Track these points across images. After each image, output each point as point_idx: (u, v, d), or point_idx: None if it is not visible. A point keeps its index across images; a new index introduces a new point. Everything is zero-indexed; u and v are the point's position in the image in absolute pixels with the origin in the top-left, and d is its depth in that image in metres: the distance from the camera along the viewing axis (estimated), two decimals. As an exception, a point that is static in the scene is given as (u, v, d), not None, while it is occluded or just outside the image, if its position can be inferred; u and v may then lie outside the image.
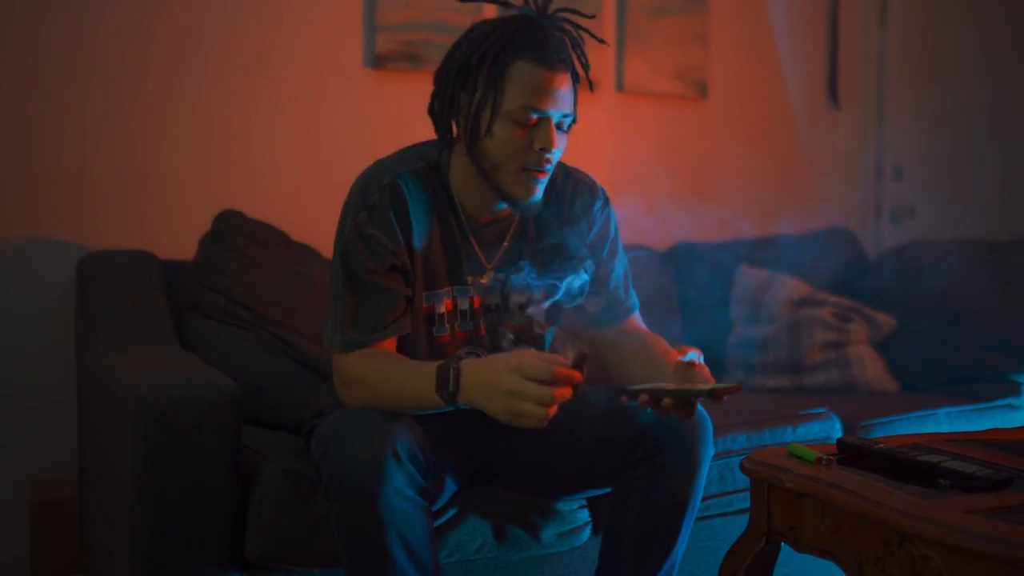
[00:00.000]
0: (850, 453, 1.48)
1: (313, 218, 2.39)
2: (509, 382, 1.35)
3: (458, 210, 1.61)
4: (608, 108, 2.95)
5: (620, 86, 2.97)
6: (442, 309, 1.61)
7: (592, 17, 1.61)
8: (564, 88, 1.52)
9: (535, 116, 1.51)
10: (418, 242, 1.57)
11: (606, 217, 1.73)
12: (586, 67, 1.61)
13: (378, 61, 2.60)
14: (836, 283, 2.87)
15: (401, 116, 2.56)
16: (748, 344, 2.67)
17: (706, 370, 1.52)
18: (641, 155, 2.99)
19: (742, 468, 1.48)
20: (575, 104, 1.57)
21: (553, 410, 1.35)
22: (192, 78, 2.40)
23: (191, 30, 2.39)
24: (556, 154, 1.55)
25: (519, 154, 1.52)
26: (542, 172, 1.55)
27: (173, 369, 1.66)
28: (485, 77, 1.50)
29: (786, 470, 1.42)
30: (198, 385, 1.55)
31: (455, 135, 1.57)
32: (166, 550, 1.53)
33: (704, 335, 2.70)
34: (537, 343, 1.73)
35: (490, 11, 2.74)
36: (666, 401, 1.40)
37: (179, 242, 2.29)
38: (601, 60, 2.89)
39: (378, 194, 1.54)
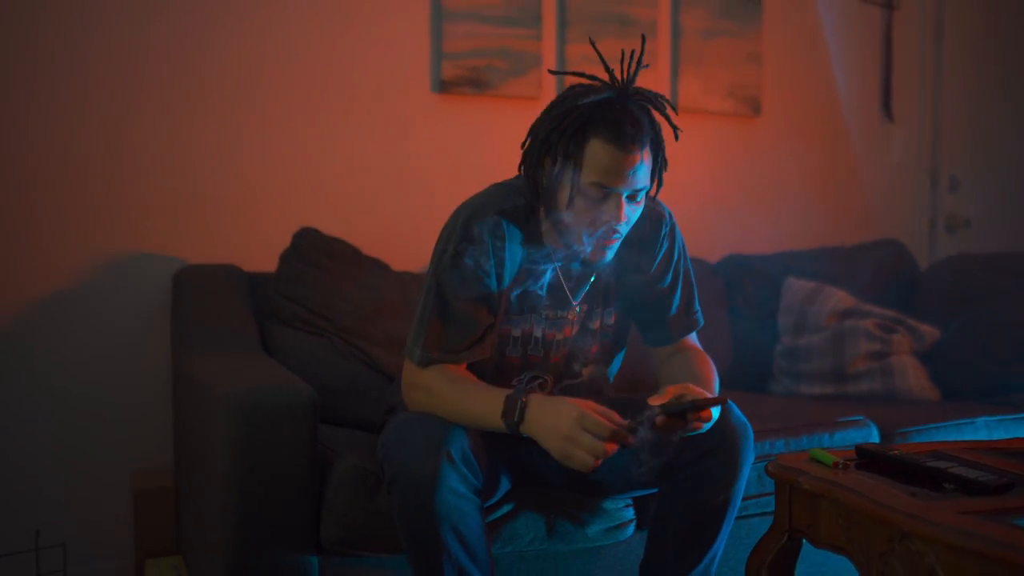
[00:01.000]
0: (867, 458, 1.61)
1: (382, 234, 2.59)
2: (569, 428, 1.50)
3: (548, 252, 1.71)
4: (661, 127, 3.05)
5: (674, 106, 3.07)
6: (517, 333, 1.74)
7: (675, 111, 1.67)
8: (636, 167, 1.57)
9: (605, 191, 1.59)
10: (508, 277, 1.69)
11: (671, 241, 1.82)
12: (676, 138, 1.66)
13: (444, 86, 2.75)
14: (886, 294, 2.91)
15: (465, 137, 2.78)
16: (794, 353, 2.73)
17: (696, 390, 1.62)
18: (693, 170, 3.08)
19: (767, 471, 1.62)
20: (653, 176, 1.63)
21: (599, 462, 1.50)
22: (277, 106, 2.59)
23: (274, 60, 2.59)
24: (625, 226, 1.64)
25: (589, 224, 1.61)
26: (610, 240, 1.64)
27: (258, 373, 1.86)
28: (563, 152, 1.58)
29: (805, 473, 1.55)
30: (280, 388, 1.74)
31: (539, 196, 1.68)
32: (253, 534, 1.71)
33: (752, 344, 2.80)
34: (609, 359, 1.87)
35: (549, 45, 2.90)
36: (659, 420, 1.51)
37: (263, 256, 2.48)
38: (655, 81, 3.01)
39: (480, 229, 1.65)
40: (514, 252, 1.70)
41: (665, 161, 1.68)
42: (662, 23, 3.06)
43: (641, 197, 1.65)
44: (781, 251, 3.06)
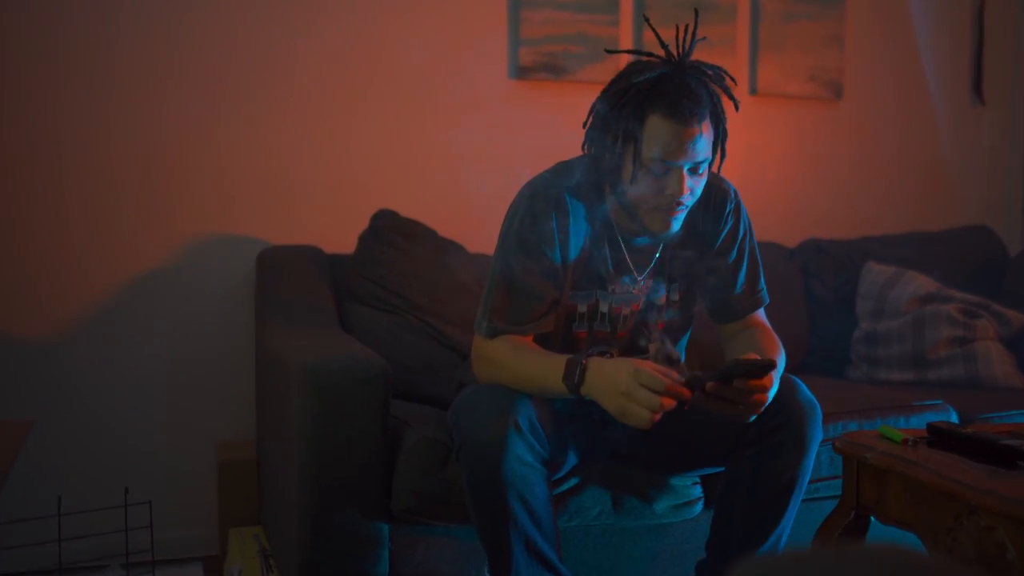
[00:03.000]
0: (938, 436, 1.58)
1: (458, 216, 2.63)
2: (626, 384, 1.51)
3: (613, 227, 1.74)
4: (741, 110, 3.03)
5: (753, 89, 3.06)
6: (584, 309, 1.77)
7: (734, 82, 1.69)
8: (696, 139, 1.60)
9: (667, 166, 1.61)
10: (573, 252, 1.73)
11: (736, 218, 1.83)
12: (736, 109, 1.67)
13: (521, 72, 2.79)
14: (972, 281, 2.83)
15: (542, 123, 2.79)
16: (872, 339, 2.69)
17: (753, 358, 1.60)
18: (773, 154, 3.05)
19: (834, 447, 1.61)
20: (715, 148, 1.65)
21: (658, 417, 1.50)
22: (359, 93, 2.66)
23: (357, 50, 2.66)
24: (690, 197, 1.66)
25: (653, 197, 1.64)
26: (674, 211, 1.66)
27: (334, 347, 1.92)
28: (623, 129, 1.61)
29: (872, 448, 1.54)
30: (355, 360, 1.79)
31: (604, 170, 1.70)
32: (328, 502, 1.77)
33: (829, 330, 2.76)
34: (676, 338, 1.87)
35: (626, 30, 2.91)
36: (709, 386, 1.51)
37: (343, 238, 2.55)
38: (734, 65, 2.98)
39: (544, 205, 1.69)
40: (578, 227, 1.72)
41: (726, 132, 1.69)
42: (742, 6, 3.05)
43: (704, 169, 1.67)
44: (862, 236, 3.01)
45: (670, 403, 1.51)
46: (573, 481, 1.88)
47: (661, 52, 1.67)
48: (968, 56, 3.34)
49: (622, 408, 1.52)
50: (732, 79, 1.70)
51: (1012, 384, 2.54)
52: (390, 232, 2.42)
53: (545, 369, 1.63)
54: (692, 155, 1.62)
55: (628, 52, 1.73)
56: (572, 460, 1.86)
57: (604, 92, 1.70)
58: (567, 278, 1.74)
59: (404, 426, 1.89)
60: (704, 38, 1.67)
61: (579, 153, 1.79)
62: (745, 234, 1.86)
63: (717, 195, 1.81)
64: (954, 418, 2.22)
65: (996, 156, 3.42)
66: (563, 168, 1.77)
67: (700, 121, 1.61)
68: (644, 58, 1.67)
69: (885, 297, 2.70)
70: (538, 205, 1.70)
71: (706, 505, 1.97)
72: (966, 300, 2.66)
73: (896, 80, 3.29)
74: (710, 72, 1.66)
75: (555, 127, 2.69)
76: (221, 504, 2.42)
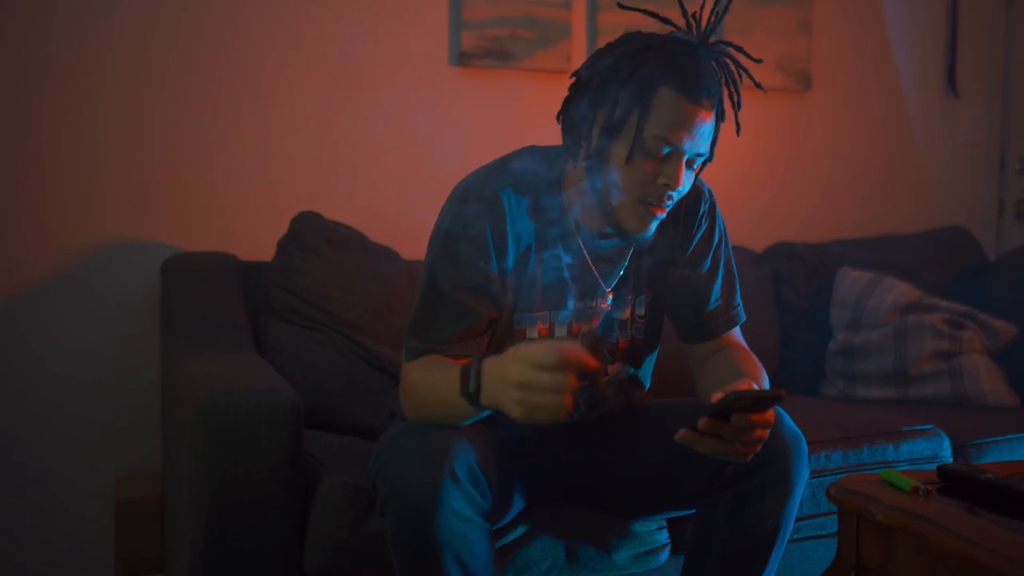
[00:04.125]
0: (952, 482, 1.34)
1: (393, 218, 2.37)
2: (517, 372, 1.22)
3: (570, 228, 1.51)
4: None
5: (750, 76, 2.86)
6: (534, 333, 1.53)
7: (760, 61, 1.50)
8: (704, 125, 1.41)
9: (667, 149, 1.41)
10: (512, 262, 1.49)
11: (711, 221, 1.62)
12: (737, 106, 1.49)
13: (463, 58, 2.55)
14: (951, 287, 2.69)
15: (488, 115, 2.57)
16: (849, 352, 2.51)
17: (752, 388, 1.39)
18: (737, 149, 2.84)
19: (829, 496, 1.37)
20: (714, 144, 1.46)
21: (570, 400, 1.21)
22: (273, 78, 2.40)
23: (272, 31, 2.39)
24: (680, 192, 1.46)
25: (642, 185, 1.43)
26: (661, 208, 1.45)
27: (236, 374, 1.64)
28: (629, 97, 1.40)
29: (877, 500, 1.29)
30: (259, 393, 1.52)
31: (582, 150, 1.47)
32: (223, 557, 1.50)
33: (802, 342, 2.59)
34: (635, 363, 1.66)
35: (580, 13, 2.68)
36: (701, 423, 1.28)
37: (260, 243, 2.30)
38: (696, 52, 2.76)
39: (477, 206, 1.46)
40: (520, 232, 1.48)
41: (738, 124, 1.50)
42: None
43: (699, 164, 1.46)
44: (834, 239, 2.83)
45: (575, 382, 1.21)
46: (520, 530, 1.62)
47: (669, 25, 1.48)
48: (942, 46, 3.18)
49: (524, 403, 1.22)
50: (751, 77, 1.49)
51: (1002, 402, 2.37)
52: (312, 237, 2.16)
53: (445, 384, 1.36)
54: (696, 142, 1.42)
55: (638, 10, 1.49)
56: (518, 505, 1.61)
57: (606, 50, 1.47)
58: (509, 291, 1.50)
59: (320, 467, 1.63)
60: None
61: (527, 146, 1.56)
62: (720, 240, 1.63)
63: (690, 193, 1.58)
64: (947, 445, 2.03)
65: (971, 153, 3.26)
66: (506, 162, 1.53)
67: (712, 107, 1.42)
68: (654, 22, 1.48)
69: (862, 306, 2.51)
70: (469, 207, 1.46)
71: (673, 552, 1.74)
72: (951, 310, 2.49)
73: (866, 71, 3.10)
74: (734, 60, 1.46)
75: (501, 120, 2.55)
76: (118, 549, 2.13)
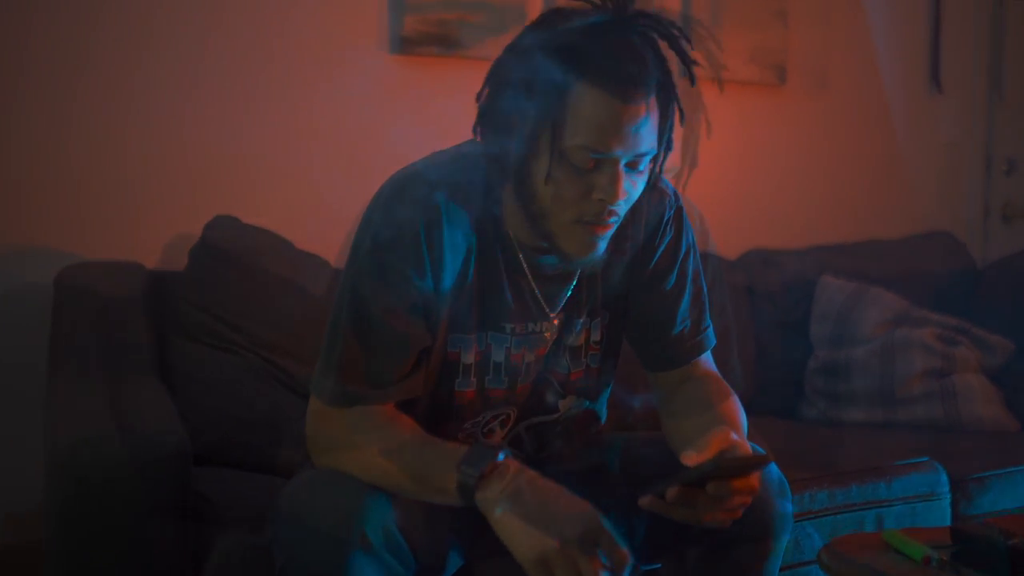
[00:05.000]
0: (968, 545, 1.12)
1: (321, 223, 2.13)
2: (572, 529, 1.09)
3: (510, 242, 1.29)
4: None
5: (687, 36, 2.70)
6: (470, 359, 1.33)
7: (690, 43, 1.27)
8: (640, 122, 1.18)
9: (594, 158, 1.18)
10: (449, 279, 1.27)
11: (677, 230, 1.39)
12: (692, 80, 1.26)
13: (405, 45, 2.33)
14: (938, 297, 2.57)
15: (431, 109, 2.22)
16: (831, 370, 2.38)
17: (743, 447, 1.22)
18: (707, 148, 2.69)
19: (820, 563, 1.16)
20: (664, 136, 1.23)
21: None
22: (187, 67, 2.18)
23: (184, 14, 2.18)
24: (624, 204, 1.23)
25: (574, 204, 1.20)
26: (605, 226, 1.22)
27: (120, 413, 1.40)
28: (537, 104, 1.19)
29: (882, 574, 1.06)
30: (138, 438, 1.31)
31: (504, 169, 1.26)
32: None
33: (780, 358, 2.45)
34: (591, 396, 1.45)
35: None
36: (670, 493, 1.13)
37: (171, 251, 2.10)
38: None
39: (410, 210, 1.24)
40: (458, 242, 1.27)
41: (682, 113, 1.24)
42: (672, -30, 2.65)
43: (644, 165, 1.22)
44: (813, 245, 2.68)
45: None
46: (455, 594, 1.40)
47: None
48: (925, 38, 3.04)
49: (546, 564, 1.09)
50: (689, 40, 1.24)
51: (1000, 427, 2.23)
52: (229, 245, 1.96)
53: (430, 461, 1.19)
54: (633, 144, 1.17)
55: None
56: (454, 562, 1.37)
57: (510, 49, 1.24)
58: (443, 315, 1.28)
59: (218, 522, 1.39)
60: None
61: (468, 140, 1.33)
62: (688, 251, 1.41)
63: (652, 198, 1.36)
64: (944, 481, 1.88)
65: (956, 152, 3.13)
66: (442, 158, 1.31)
67: (647, 96, 1.17)
68: (576, 3, 1.23)
69: (846, 319, 2.39)
70: (401, 210, 1.24)
71: (636, 611, 1.51)
72: (943, 323, 2.37)
73: (845, 63, 2.96)
74: (664, 28, 1.22)
75: (446, 114, 2.27)
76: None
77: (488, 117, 1.26)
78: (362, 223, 1.29)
